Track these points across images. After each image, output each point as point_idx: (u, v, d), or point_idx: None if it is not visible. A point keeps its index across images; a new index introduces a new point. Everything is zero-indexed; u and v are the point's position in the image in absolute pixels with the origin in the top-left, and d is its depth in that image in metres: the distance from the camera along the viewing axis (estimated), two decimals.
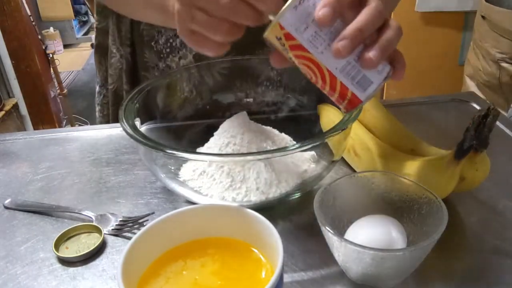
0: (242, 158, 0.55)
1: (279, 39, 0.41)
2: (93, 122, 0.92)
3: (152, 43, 0.74)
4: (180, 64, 0.73)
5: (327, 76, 0.42)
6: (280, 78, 0.72)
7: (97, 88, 0.87)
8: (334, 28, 0.40)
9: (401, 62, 0.44)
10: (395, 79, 0.44)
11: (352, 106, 0.43)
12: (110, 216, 0.55)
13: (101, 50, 0.83)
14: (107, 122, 0.86)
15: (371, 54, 0.40)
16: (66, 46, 4.03)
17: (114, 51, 0.79)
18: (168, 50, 0.74)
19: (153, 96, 0.64)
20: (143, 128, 0.59)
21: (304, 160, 0.59)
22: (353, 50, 0.40)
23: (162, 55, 0.75)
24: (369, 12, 0.40)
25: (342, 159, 0.62)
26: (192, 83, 0.70)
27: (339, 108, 0.45)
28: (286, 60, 0.43)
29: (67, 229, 0.53)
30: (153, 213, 0.55)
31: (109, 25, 0.79)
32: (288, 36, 0.40)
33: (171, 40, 0.73)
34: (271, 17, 0.41)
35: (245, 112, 0.63)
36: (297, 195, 0.56)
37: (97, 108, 0.88)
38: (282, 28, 0.40)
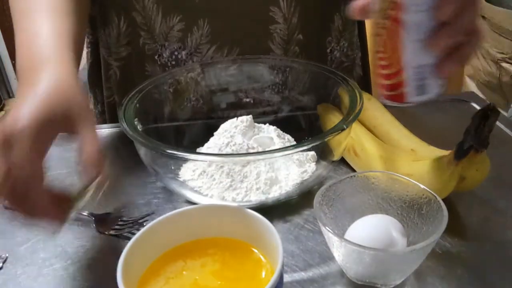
0: (242, 158, 0.55)
1: None
2: None
3: (156, 57, 0.71)
4: (188, 77, 0.70)
5: (397, 61, 0.40)
6: (280, 78, 0.71)
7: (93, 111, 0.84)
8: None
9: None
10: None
11: (394, 99, 0.42)
12: (110, 216, 0.55)
13: (96, 68, 0.80)
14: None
15: (451, 66, 0.40)
16: None
17: (112, 62, 0.76)
18: (173, 63, 0.71)
19: (152, 96, 0.64)
20: (143, 128, 0.58)
21: (304, 160, 0.59)
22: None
23: (167, 68, 0.72)
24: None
25: (342, 159, 0.62)
26: (192, 83, 0.70)
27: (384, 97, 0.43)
28: (367, 13, 0.40)
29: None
30: (153, 213, 0.55)
31: (100, 37, 0.76)
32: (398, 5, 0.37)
33: (176, 53, 0.70)
34: None
35: (250, 116, 0.63)
36: (297, 195, 0.56)
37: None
38: None
